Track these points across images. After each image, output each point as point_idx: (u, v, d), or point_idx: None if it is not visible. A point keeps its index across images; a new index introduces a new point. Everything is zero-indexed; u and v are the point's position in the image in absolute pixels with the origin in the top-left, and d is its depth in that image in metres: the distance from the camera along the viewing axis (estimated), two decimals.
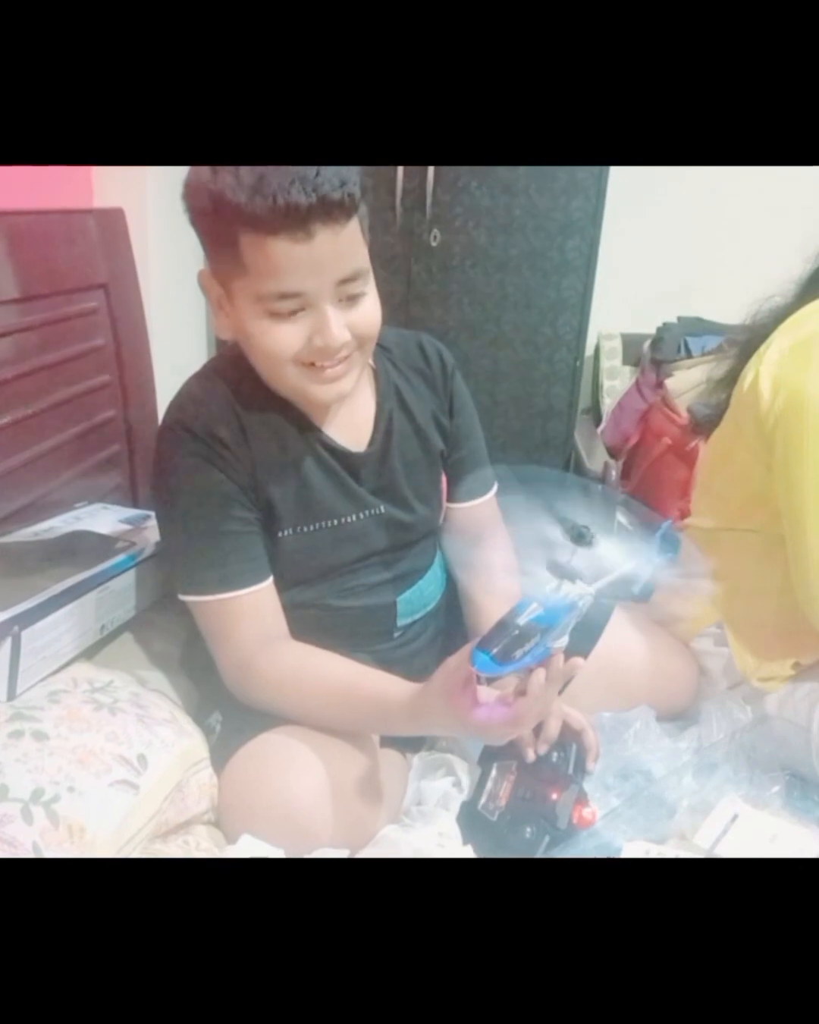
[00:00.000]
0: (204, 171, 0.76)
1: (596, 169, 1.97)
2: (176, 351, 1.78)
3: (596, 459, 2.06)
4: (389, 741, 0.98)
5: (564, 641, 0.71)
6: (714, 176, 2.25)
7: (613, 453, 2.09)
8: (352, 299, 0.81)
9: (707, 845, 0.92)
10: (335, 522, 0.93)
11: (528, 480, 0.88)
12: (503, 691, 0.73)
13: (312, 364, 0.82)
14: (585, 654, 1.11)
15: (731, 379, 1.13)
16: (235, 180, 0.73)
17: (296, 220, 0.73)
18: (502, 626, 0.69)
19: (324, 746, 0.83)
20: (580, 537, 0.70)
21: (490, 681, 0.72)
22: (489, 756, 0.98)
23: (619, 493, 1.87)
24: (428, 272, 2.05)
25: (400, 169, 1.92)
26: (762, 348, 1.05)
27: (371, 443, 0.95)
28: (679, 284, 2.31)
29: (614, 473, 1.96)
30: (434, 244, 2.02)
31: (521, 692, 0.72)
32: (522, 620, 0.68)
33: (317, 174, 0.73)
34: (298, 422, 0.90)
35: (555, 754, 0.95)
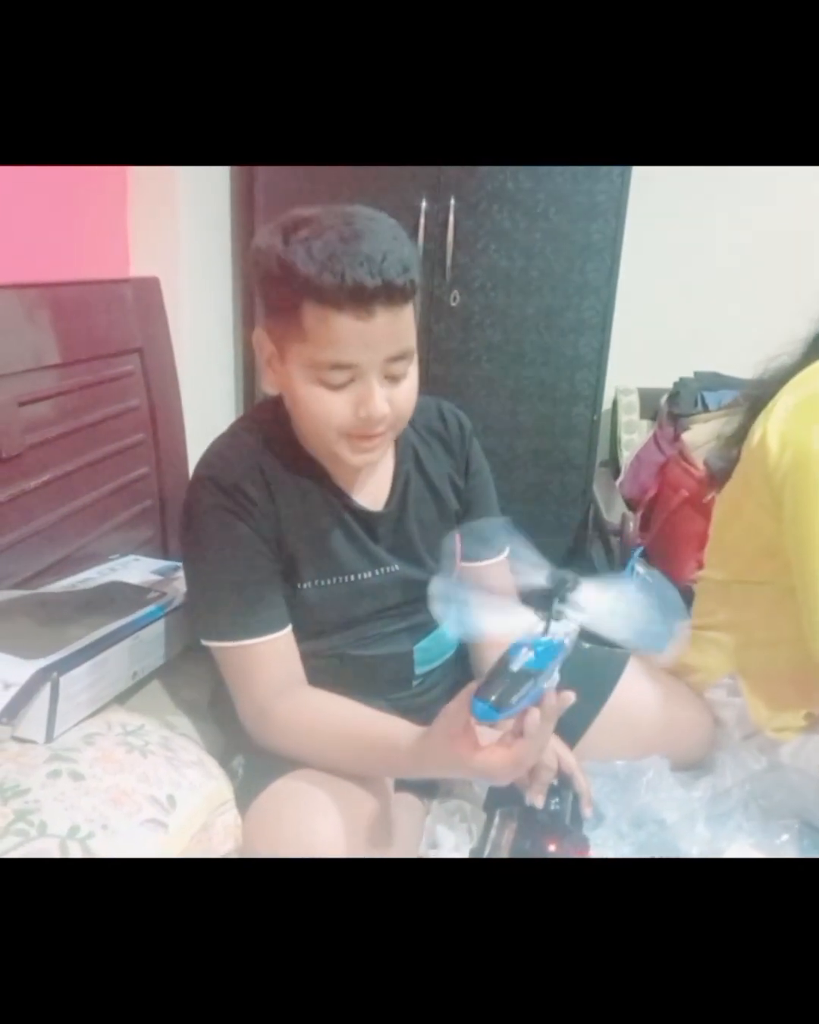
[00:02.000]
0: (276, 237, 0.81)
1: (610, 232, 2.05)
2: (206, 411, 1.85)
3: (614, 511, 2.10)
4: (405, 785, 1.00)
5: (555, 680, 0.74)
6: (727, 232, 2.34)
7: (631, 505, 2.12)
8: (396, 377, 0.87)
9: None
10: (352, 578, 0.98)
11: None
12: (502, 732, 0.76)
13: (352, 435, 0.87)
14: (601, 703, 1.14)
15: (741, 435, 1.17)
16: (307, 254, 0.79)
17: (360, 299, 0.79)
18: (497, 674, 0.72)
19: (340, 790, 0.86)
20: (563, 583, 0.73)
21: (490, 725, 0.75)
22: (492, 803, 1.00)
23: (637, 544, 1.90)
24: (448, 331, 2.13)
25: (421, 233, 2.01)
26: (770, 405, 1.09)
27: (388, 503, 1.00)
28: (695, 340, 2.37)
29: (632, 525, 1.99)
30: (454, 304, 2.10)
31: (518, 733, 0.74)
32: (516, 666, 0.71)
33: (384, 259, 0.78)
34: (321, 481, 0.95)
35: (553, 802, 0.96)
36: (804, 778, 1.08)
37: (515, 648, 0.73)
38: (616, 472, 2.38)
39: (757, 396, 1.15)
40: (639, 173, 2.03)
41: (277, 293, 0.83)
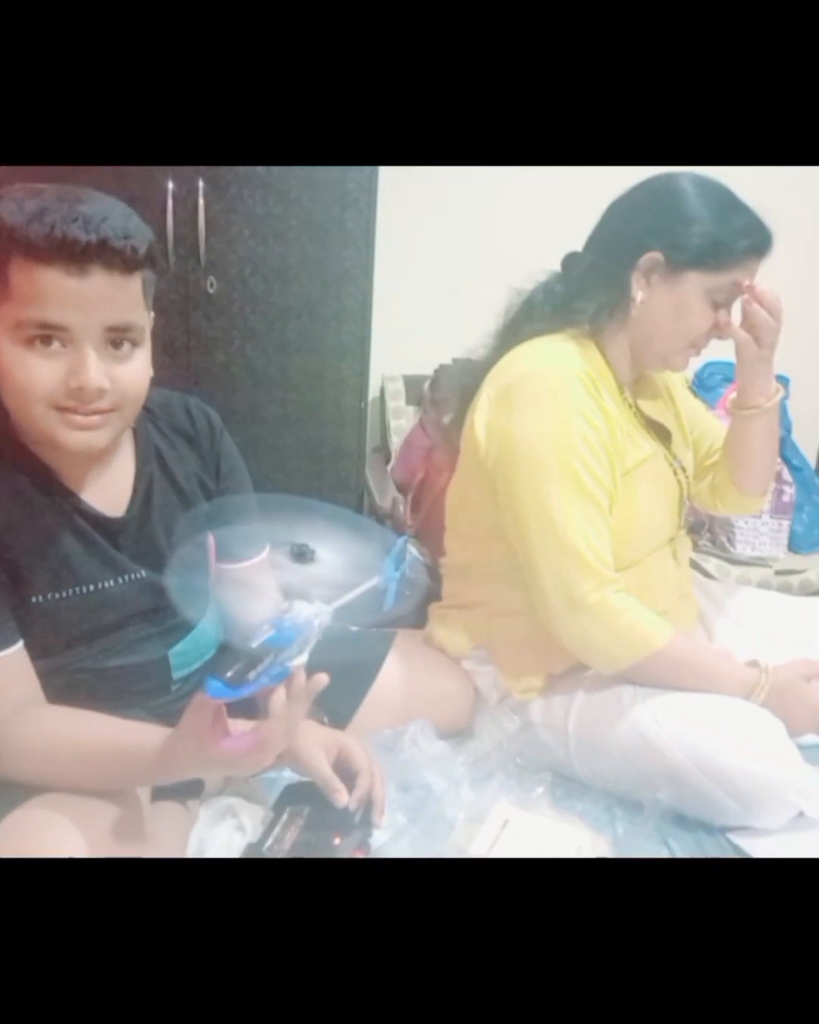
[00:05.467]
0: None
1: (364, 220, 2.08)
2: None
3: (386, 496, 2.14)
4: (166, 793, 0.97)
5: (303, 659, 0.73)
6: (476, 222, 2.45)
7: (402, 489, 2.18)
8: (119, 350, 0.81)
9: (483, 853, 0.98)
10: (91, 588, 0.91)
11: (270, 507, 0.90)
12: (253, 723, 0.75)
13: (65, 408, 0.81)
14: (370, 681, 1.17)
15: (458, 426, 1.24)
16: (16, 206, 0.75)
17: (70, 255, 0.75)
18: (233, 651, 0.71)
19: (86, 811, 0.81)
20: (300, 556, 0.74)
21: (246, 715, 0.73)
22: (283, 801, 0.99)
23: (406, 527, 1.95)
24: (208, 319, 2.07)
25: (170, 215, 1.93)
26: (475, 398, 1.16)
27: (130, 508, 0.94)
28: (454, 327, 2.45)
29: (402, 508, 2.04)
30: (211, 291, 2.05)
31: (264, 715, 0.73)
32: (254, 642, 0.70)
33: (104, 219, 0.75)
34: (46, 485, 0.88)
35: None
36: (551, 733, 1.16)
37: (255, 626, 0.72)
38: (388, 457, 2.43)
39: (464, 386, 1.22)
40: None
41: None
